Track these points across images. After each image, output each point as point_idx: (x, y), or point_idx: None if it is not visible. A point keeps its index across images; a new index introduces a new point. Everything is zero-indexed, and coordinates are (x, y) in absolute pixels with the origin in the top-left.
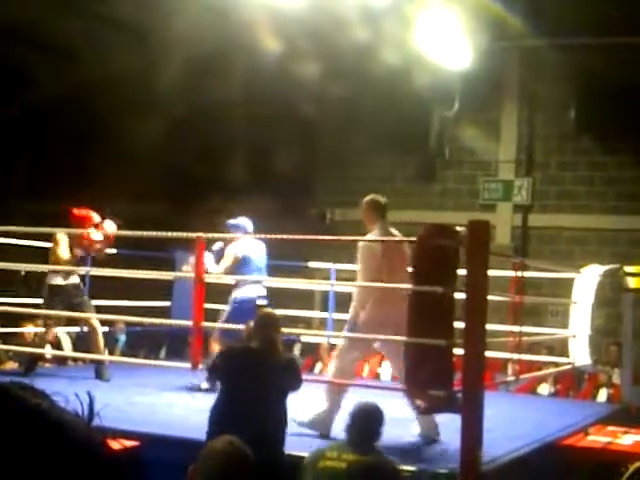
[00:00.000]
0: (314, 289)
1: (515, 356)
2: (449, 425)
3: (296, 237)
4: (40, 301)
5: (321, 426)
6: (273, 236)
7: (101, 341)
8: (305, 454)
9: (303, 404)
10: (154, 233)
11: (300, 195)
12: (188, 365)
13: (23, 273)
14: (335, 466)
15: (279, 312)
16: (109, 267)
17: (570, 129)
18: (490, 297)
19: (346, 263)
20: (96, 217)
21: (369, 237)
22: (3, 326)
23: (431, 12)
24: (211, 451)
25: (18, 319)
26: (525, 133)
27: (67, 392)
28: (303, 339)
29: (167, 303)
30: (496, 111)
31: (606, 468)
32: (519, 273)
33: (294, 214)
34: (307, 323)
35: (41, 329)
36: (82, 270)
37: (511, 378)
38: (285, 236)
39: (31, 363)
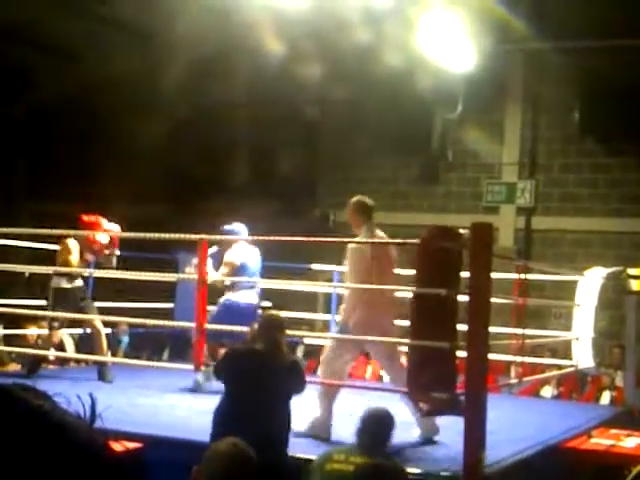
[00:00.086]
0: (317, 291)
1: (518, 359)
2: (452, 428)
3: (294, 239)
4: (44, 303)
5: (321, 430)
6: (273, 238)
7: (104, 343)
8: (309, 456)
9: (306, 407)
10: (157, 235)
11: (303, 197)
12: (191, 367)
13: (27, 275)
14: (342, 469)
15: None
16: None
17: (574, 131)
18: (493, 300)
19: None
20: (105, 222)
21: (358, 240)
22: (6, 328)
23: (435, 15)
24: (215, 453)
25: (20, 321)
26: (528, 135)
27: (69, 394)
28: (306, 341)
29: (170, 305)
30: (499, 113)
31: (609, 471)
32: (522, 275)
33: (297, 216)
34: (310, 325)
35: (44, 331)
36: (85, 272)
37: (514, 380)
38: (286, 238)
39: (34, 365)
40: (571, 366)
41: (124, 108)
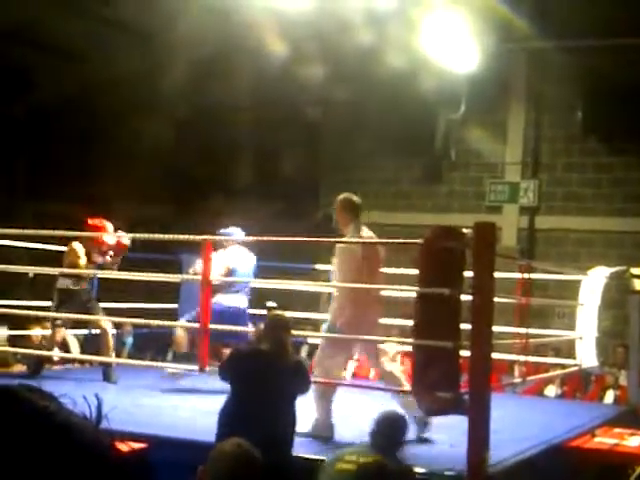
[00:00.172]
0: (320, 291)
1: (522, 358)
2: (456, 427)
3: (293, 239)
4: (48, 304)
5: (323, 430)
6: (274, 239)
7: (111, 343)
8: (314, 457)
9: (308, 408)
10: (161, 236)
11: (305, 198)
12: (195, 367)
13: (31, 276)
14: (351, 468)
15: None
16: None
17: (576, 131)
18: (496, 299)
19: None
20: (110, 225)
21: (348, 238)
22: (10, 329)
23: (437, 14)
24: (220, 453)
25: (25, 322)
26: (531, 135)
27: (74, 394)
28: (310, 341)
29: (174, 305)
30: (503, 113)
31: (613, 470)
32: (525, 275)
33: (300, 217)
34: (314, 325)
35: (48, 332)
36: (90, 273)
37: (518, 380)
38: (286, 238)
39: (38, 365)
40: (575, 365)
41: (125, 108)
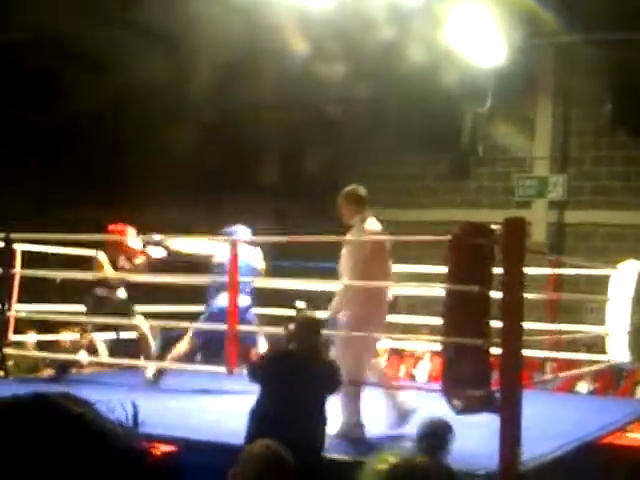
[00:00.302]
0: None
1: (553, 354)
2: (488, 425)
3: (293, 239)
4: (77, 308)
5: (354, 431)
6: (269, 239)
7: (152, 348)
8: (346, 458)
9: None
10: (189, 237)
11: (329, 196)
12: (223, 369)
13: (58, 281)
14: (385, 468)
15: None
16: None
17: (605, 124)
18: (527, 295)
19: None
20: (131, 230)
21: (354, 233)
22: (39, 333)
23: (463, 9)
24: (250, 455)
25: (53, 326)
26: (560, 129)
27: (107, 399)
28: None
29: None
30: (530, 107)
31: None
32: (556, 270)
33: (325, 215)
34: None
35: (77, 335)
36: (122, 276)
37: (549, 377)
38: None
39: (63, 369)
40: (606, 361)
41: (152, 114)
